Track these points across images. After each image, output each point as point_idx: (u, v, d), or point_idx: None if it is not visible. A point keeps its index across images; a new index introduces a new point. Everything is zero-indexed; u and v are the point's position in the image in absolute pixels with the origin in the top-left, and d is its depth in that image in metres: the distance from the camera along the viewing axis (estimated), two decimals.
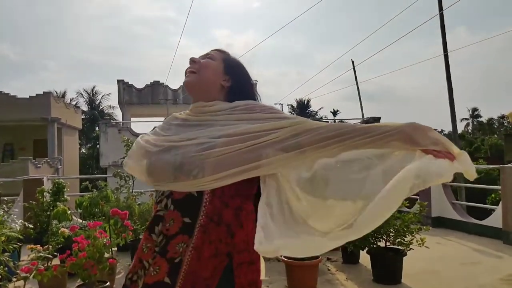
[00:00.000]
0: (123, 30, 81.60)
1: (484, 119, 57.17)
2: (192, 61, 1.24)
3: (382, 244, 3.95)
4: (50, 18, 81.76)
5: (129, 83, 20.37)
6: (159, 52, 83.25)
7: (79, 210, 7.11)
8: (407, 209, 4.94)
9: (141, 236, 1.95)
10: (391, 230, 3.85)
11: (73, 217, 5.43)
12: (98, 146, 29.22)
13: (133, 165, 1.26)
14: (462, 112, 55.62)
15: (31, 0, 75.32)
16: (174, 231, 1.07)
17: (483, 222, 5.93)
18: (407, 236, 3.80)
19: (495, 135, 40.66)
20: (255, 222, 1.05)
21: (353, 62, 19.38)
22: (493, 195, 11.93)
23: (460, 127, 54.58)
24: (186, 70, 1.25)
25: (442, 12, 12.71)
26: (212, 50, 1.28)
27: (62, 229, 3.95)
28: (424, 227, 3.97)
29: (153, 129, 1.32)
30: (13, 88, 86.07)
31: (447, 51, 12.47)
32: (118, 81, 20.34)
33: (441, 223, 6.46)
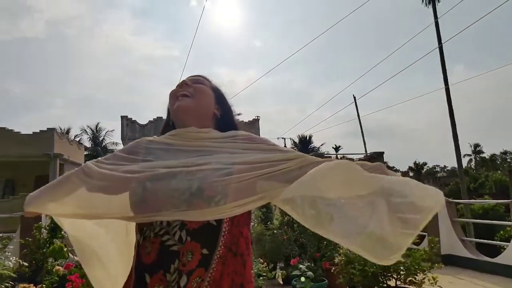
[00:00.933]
0: (128, 68, 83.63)
1: (486, 155, 57.13)
2: (185, 84, 1.19)
3: (392, 283, 3.76)
4: (57, 56, 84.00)
5: (133, 119, 20.58)
6: (163, 89, 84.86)
7: None
8: (415, 246, 4.76)
9: None
10: (402, 268, 3.67)
11: (70, 254, 5.26)
12: None
13: (96, 203, 1.08)
14: (464, 148, 55.59)
15: (39, 39, 77.52)
16: (193, 266, 0.96)
17: (495, 260, 5.70)
18: (418, 274, 3.62)
19: (499, 171, 40.40)
20: None
21: (354, 97, 19.60)
22: (501, 232, 11.63)
23: (463, 163, 54.33)
24: (176, 93, 1.19)
25: (442, 46, 12.97)
26: (198, 75, 1.25)
27: (57, 267, 3.79)
28: (436, 264, 3.79)
29: (106, 156, 1.17)
30: (18, 125, 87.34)
31: (447, 84, 12.60)
32: (122, 117, 20.56)
33: (451, 261, 6.21)
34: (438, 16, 16.32)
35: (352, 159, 18.07)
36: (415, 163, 60.75)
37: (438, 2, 17.82)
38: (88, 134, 35.15)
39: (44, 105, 78.50)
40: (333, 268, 4.39)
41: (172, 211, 0.96)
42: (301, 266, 3.86)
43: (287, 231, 4.81)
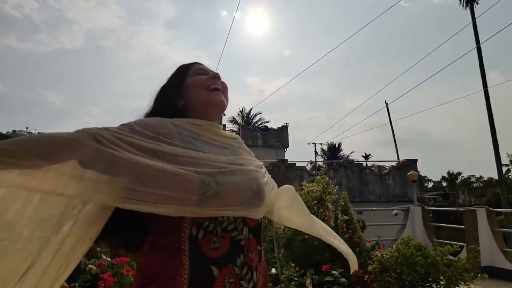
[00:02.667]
0: (159, 77, 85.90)
1: None
2: (219, 77, 1.19)
3: None
4: (94, 67, 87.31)
5: None
6: None
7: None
8: (451, 256, 4.53)
9: None
10: (442, 278, 3.49)
11: (102, 255, 5.34)
12: None
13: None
14: (502, 158, 53.16)
15: (78, 50, 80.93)
16: (256, 261, 1.04)
17: None
18: (460, 285, 3.42)
19: None
20: None
21: (386, 103, 19.19)
22: None
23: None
24: (210, 83, 1.16)
25: (480, 47, 12.45)
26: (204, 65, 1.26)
27: (90, 266, 3.83)
28: (480, 275, 3.57)
29: (119, 128, 0.97)
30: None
31: (486, 86, 12.03)
32: None
33: (493, 273, 5.87)
34: (476, 17, 15.83)
35: (384, 167, 17.64)
36: (448, 172, 58.68)
37: (477, 4, 17.31)
38: None
39: (81, 114, 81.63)
40: (367, 276, 4.23)
41: (239, 207, 0.98)
42: (334, 272, 3.73)
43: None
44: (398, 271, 3.66)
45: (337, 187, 5.26)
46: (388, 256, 3.94)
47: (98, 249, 4.61)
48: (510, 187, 31.41)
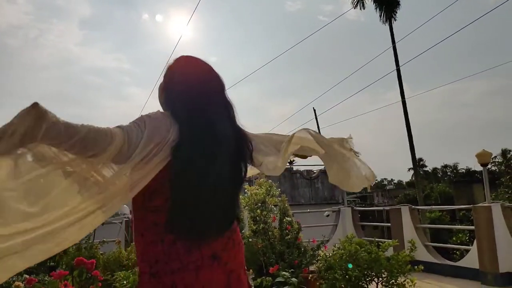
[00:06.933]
0: (74, 79, 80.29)
1: (429, 168, 60.61)
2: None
3: (373, 287, 3.76)
4: None
5: None
6: (113, 101, 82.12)
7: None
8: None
9: None
10: (383, 271, 3.68)
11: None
12: None
13: None
14: (408, 163, 58.55)
15: None
16: None
17: (458, 264, 5.93)
18: (399, 277, 3.64)
19: (440, 183, 43.00)
20: None
21: (314, 110, 20.05)
22: (460, 234, 12.28)
23: (408, 176, 57.30)
24: None
25: (399, 69, 13.65)
26: None
27: (16, 283, 3.38)
28: (416, 267, 3.84)
29: None
30: None
31: (404, 97, 13.25)
32: None
33: (416, 265, 6.36)
34: (395, 34, 17.36)
35: (312, 171, 18.35)
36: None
37: (395, 20, 18.99)
38: None
39: None
40: (310, 276, 4.32)
41: None
42: (284, 273, 3.74)
43: (264, 239, 4.68)
44: (343, 267, 3.79)
45: (279, 189, 5.32)
46: (332, 254, 4.06)
47: None
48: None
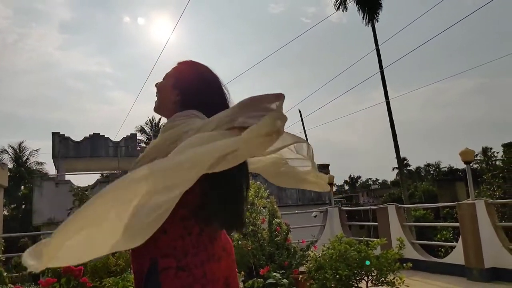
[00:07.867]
0: (55, 83, 78.83)
1: (412, 167, 61.59)
2: (155, 87, 1.37)
3: (363, 285, 3.79)
4: None
5: (65, 135, 19.27)
6: (96, 105, 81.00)
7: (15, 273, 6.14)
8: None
9: None
10: (373, 269, 3.72)
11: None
12: (24, 206, 26.98)
13: None
14: (392, 163, 59.37)
15: None
16: None
17: (444, 260, 6.03)
18: (389, 275, 3.68)
19: (423, 182, 43.75)
20: None
21: (300, 111, 20.18)
22: (444, 232, 12.52)
23: (392, 175, 58.15)
24: None
25: (383, 70, 13.87)
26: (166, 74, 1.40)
27: None
28: (405, 264, 3.89)
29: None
30: None
31: (388, 98, 13.47)
32: (53, 133, 19.19)
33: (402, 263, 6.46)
34: (378, 34, 17.60)
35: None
36: (350, 176, 63.57)
37: (377, 22, 19.25)
38: (9, 154, 32.34)
39: None
40: (300, 276, 4.33)
41: None
42: (275, 274, 3.74)
43: (253, 241, 4.67)
44: (334, 267, 3.81)
45: (268, 191, 5.33)
46: (322, 254, 4.08)
47: (5, 274, 4.00)
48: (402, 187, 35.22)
